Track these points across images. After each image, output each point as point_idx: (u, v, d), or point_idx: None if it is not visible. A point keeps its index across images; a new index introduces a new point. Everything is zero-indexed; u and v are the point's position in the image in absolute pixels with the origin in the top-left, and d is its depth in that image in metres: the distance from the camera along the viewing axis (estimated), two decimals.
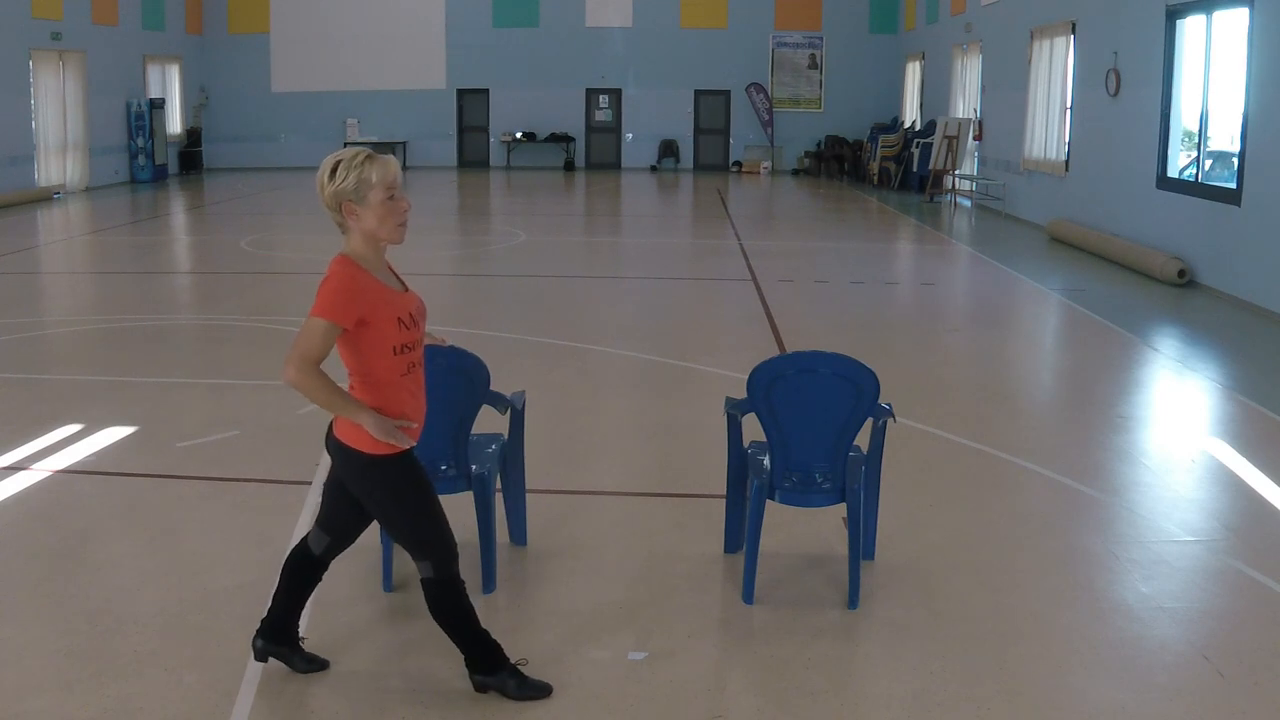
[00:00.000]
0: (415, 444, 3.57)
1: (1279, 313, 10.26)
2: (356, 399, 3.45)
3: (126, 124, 24.38)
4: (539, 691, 3.71)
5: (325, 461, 5.86)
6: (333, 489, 3.75)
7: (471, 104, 29.25)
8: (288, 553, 3.91)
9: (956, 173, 21.21)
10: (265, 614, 3.87)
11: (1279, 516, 5.49)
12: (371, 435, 3.41)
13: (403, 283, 3.62)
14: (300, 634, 3.92)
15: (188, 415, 7.04)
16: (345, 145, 29.11)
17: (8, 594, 4.47)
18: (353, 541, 3.88)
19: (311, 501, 5.36)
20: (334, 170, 3.41)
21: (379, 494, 3.55)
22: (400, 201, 3.47)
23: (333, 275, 3.41)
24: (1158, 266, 12.28)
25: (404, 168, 28.59)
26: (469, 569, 4.04)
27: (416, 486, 3.56)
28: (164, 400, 7.41)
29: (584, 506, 5.61)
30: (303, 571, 3.84)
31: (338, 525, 3.78)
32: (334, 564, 3.91)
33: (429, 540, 3.57)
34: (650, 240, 17.02)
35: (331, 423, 3.56)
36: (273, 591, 3.88)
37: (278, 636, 3.83)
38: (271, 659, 3.85)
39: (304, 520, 5.17)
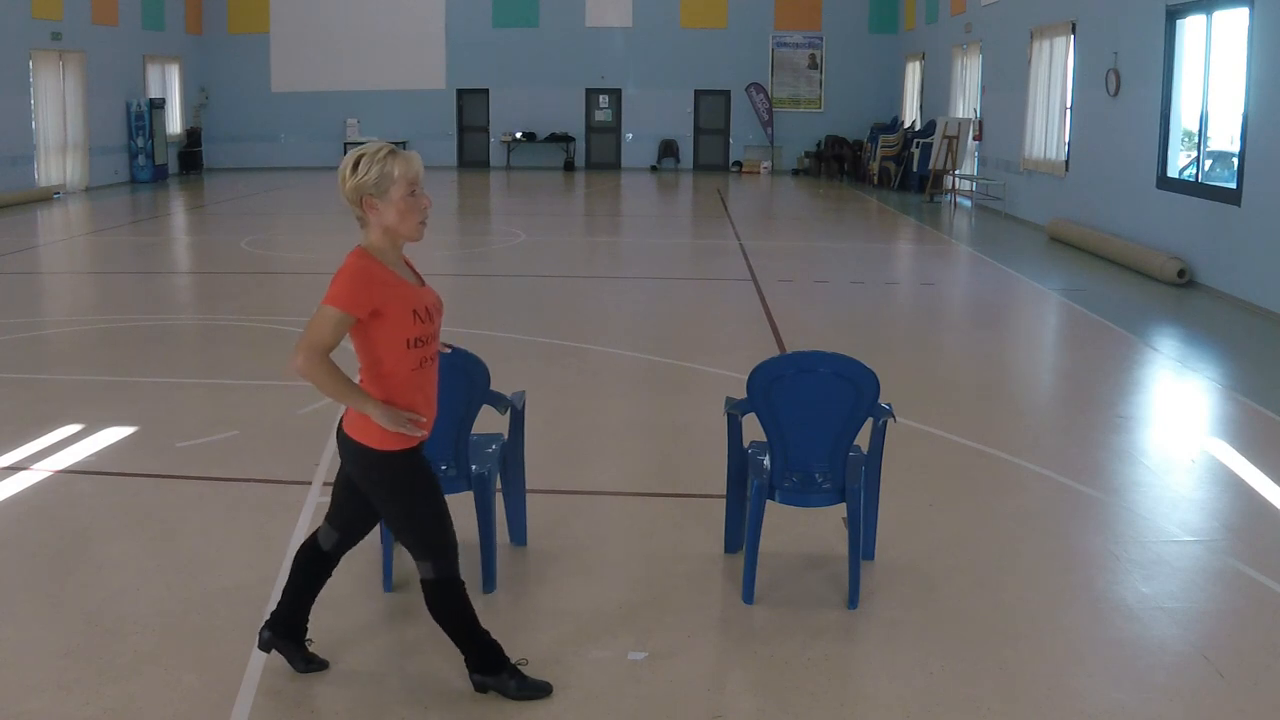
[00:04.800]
0: (427, 437, 3.56)
1: (1279, 313, 10.26)
2: (365, 390, 3.45)
3: (126, 124, 24.37)
4: (539, 691, 3.71)
5: (325, 461, 5.88)
6: (342, 485, 3.74)
7: (471, 104, 29.24)
8: (298, 548, 3.91)
9: (956, 173, 21.21)
10: (275, 606, 3.88)
11: (1279, 516, 5.50)
12: (380, 427, 3.41)
13: (420, 278, 3.60)
14: (308, 635, 3.91)
15: (188, 415, 7.03)
16: (345, 145, 29.11)
17: (8, 594, 4.47)
18: (361, 538, 3.89)
19: (311, 501, 5.37)
20: (356, 164, 3.39)
21: (385, 490, 3.54)
22: (421, 198, 3.46)
23: (348, 266, 3.40)
24: (1157, 266, 12.28)
25: None
26: (469, 569, 4.03)
27: (423, 485, 3.55)
28: (164, 400, 7.41)
29: (584, 506, 5.61)
30: (311, 566, 3.84)
31: (346, 522, 3.78)
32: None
33: (431, 541, 3.56)
34: (650, 240, 17.01)
35: (341, 419, 3.56)
36: (280, 587, 3.88)
37: (284, 630, 3.83)
38: (274, 651, 3.85)
39: (304, 520, 5.18)
